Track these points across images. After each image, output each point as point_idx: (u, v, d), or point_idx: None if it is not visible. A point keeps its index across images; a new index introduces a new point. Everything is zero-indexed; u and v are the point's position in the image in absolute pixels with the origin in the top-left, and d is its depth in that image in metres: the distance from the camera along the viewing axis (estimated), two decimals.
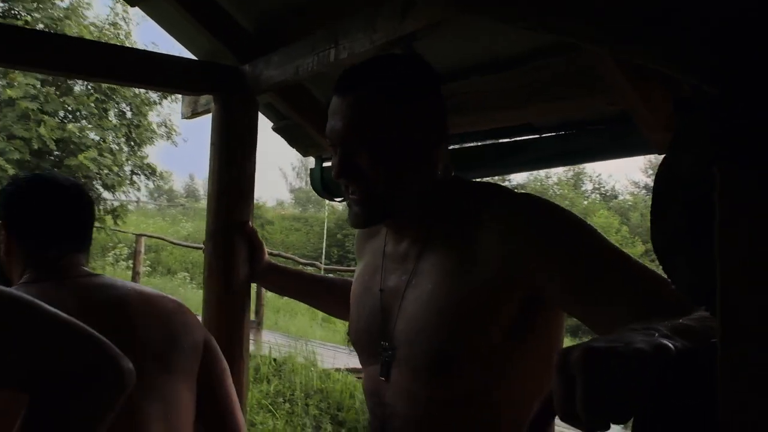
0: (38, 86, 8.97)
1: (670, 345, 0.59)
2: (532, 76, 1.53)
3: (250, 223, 1.79)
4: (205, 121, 1.99)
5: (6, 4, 9.83)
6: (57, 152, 9.11)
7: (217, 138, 1.81)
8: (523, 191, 1.14)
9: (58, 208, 1.30)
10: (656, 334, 0.63)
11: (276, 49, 1.68)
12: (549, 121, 1.65)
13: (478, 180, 1.45)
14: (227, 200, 1.78)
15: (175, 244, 11.61)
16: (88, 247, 1.35)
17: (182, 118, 2.15)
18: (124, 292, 1.27)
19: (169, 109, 13.01)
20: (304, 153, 2.38)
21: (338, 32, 1.44)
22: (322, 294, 1.64)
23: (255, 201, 1.88)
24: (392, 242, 1.20)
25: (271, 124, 2.38)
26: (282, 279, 1.71)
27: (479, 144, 1.81)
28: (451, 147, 1.88)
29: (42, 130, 8.61)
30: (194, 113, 2.10)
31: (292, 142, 2.36)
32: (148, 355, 1.22)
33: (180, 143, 12.57)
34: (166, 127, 12.10)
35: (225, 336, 1.69)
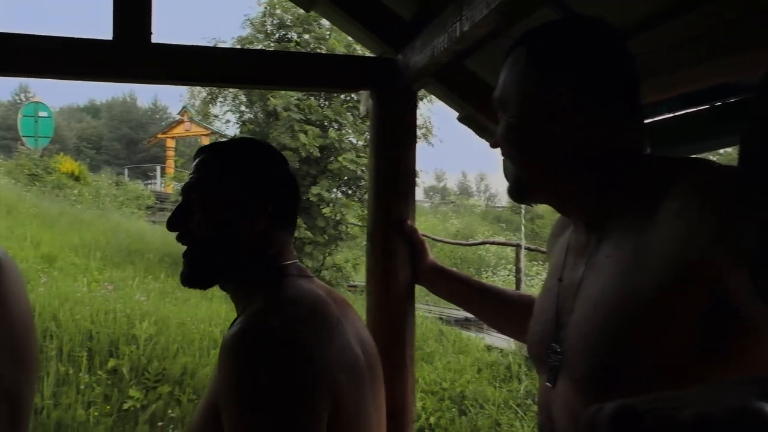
0: (300, 97, 9.80)
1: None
2: (721, 17, 1.18)
3: (409, 221, 1.69)
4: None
5: (283, 31, 11.08)
6: (321, 158, 9.89)
7: (374, 134, 1.73)
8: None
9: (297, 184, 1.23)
10: (759, 392, 0.43)
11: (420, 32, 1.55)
12: (752, 79, 1.26)
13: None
14: (385, 199, 1.70)
15: (436, 240, 11.93)
16: None
17: (360, 117, 2.12)
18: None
19: (428, 111, 13.33)
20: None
21: (463, 3, 1.27)
22: (491, 305, 1.48)
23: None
24: (575, 232, 1.03)
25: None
26: (449, 283, 1.58)
27: (671, 116, 1.47)
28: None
29: (306, 138, 9.41)
30: (369, 111, 2.06)
31: (480, 131, 2.18)
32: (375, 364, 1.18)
33: (449, 141, 12.68)
34: (426, 128, 12.42)
35: (386, 341, 1.61)
